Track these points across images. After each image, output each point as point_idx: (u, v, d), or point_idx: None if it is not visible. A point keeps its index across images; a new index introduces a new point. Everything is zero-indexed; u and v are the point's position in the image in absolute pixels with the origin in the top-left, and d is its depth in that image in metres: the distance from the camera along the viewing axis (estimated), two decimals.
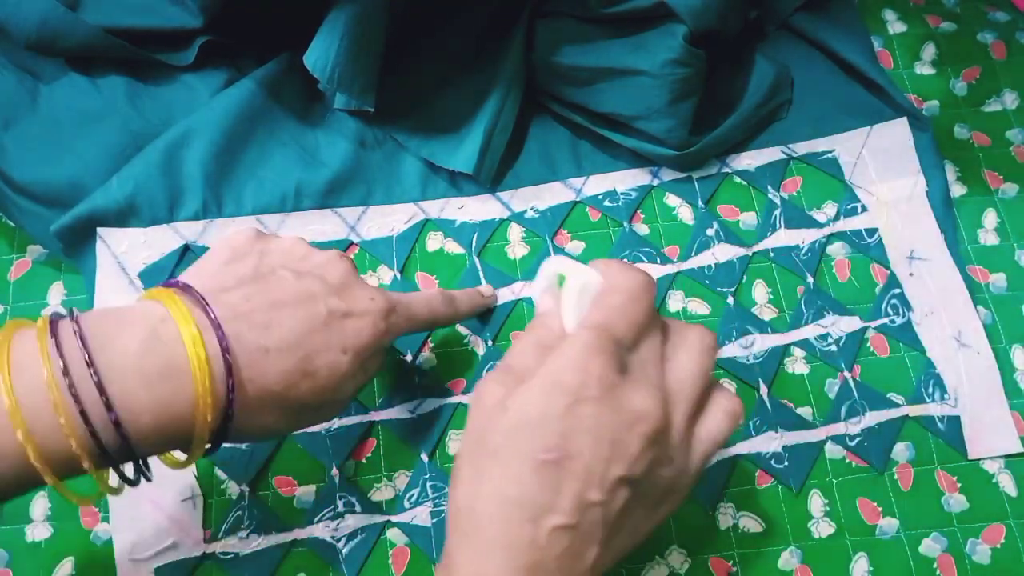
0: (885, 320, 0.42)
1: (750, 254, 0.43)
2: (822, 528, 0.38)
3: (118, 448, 0.27)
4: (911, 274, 0.43)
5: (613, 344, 0.28)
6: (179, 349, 0.27)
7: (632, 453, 0.27)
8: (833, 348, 0.41)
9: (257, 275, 0.30)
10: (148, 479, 0.29)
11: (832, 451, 0.39)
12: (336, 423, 0.39)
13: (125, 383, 0.26)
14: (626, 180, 0.44)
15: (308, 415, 0.32)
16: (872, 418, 0.40)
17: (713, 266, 0.43)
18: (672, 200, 0.44)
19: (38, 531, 0.37)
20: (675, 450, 0.28)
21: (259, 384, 0.29)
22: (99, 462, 0.27)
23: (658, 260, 0.43)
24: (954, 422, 0.40)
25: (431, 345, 0.41)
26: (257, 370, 0.28)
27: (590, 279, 0.29)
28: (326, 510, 0.38)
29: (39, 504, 0.37)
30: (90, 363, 0.26)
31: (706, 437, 0.30)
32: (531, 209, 0.44)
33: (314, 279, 0.31)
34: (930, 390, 0.40)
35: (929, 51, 0.48)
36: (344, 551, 0.37)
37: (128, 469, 0.29)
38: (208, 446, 0.29)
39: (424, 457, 0.39)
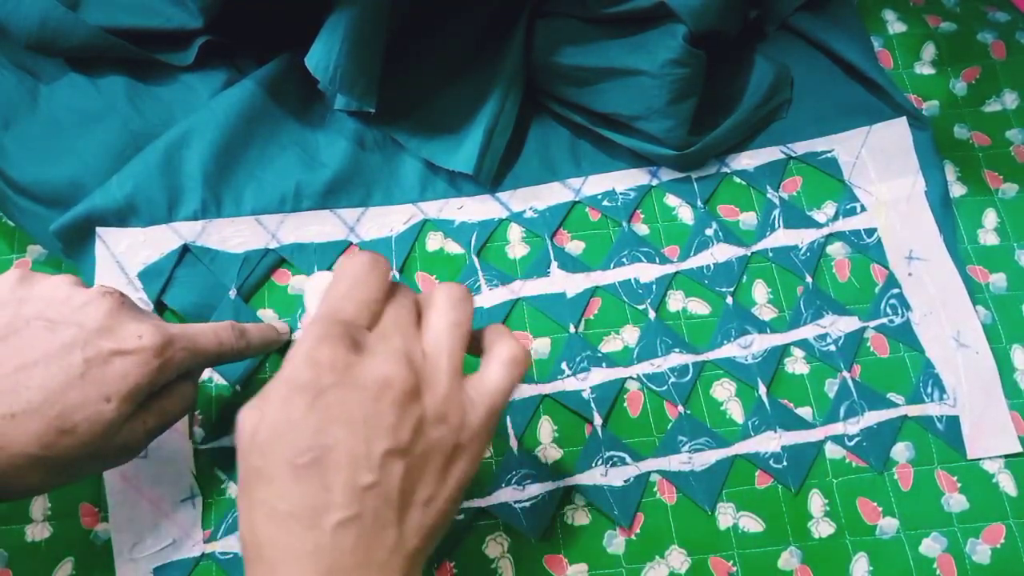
0: (884, 320, 0.42)
1: (749, 254, 0.43)
2: (822, 528, 0.38)
3: None
4: (910, 274, 0.43)
5: (340, 327, 0.28)
6: None
7: (389, 423, 0.27)
8: (832, 348, 0.41)
9: (9, 331, 0.30)
10: None
11: (832, 451, 0.39)
12: None
13: None
14: (625, 180, 0.44)
15: (88, 465, 0.31)
16: (871, 418, 0.40)
17: (712, 266, 0.43)
18: (671, 200, 0.44)
19: (38, 531, 0.37)
20: (444, 408, 0.28)
21: (10, 451, 0.28)
22: None
23: (657, 260, 0.43)
24: (953, 422, 0.40)
25: None
26: (5, 438, 0.28)
27: (322, 280, 0.30)
28: None
29: (39, 504, 0.37)
30: None
31: (486, 389, 0.29)
32: (530, 209, 0.44)
33: (70, 327, 0.30)
34: (929, 390, 0.40)
35: (929, 51, 0.48)
36: None
37: None
38: None
39: None
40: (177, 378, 0.33)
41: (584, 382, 0.40)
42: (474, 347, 0.31)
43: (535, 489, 0.38)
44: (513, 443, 0.39)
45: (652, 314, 0.42)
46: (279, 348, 0.40)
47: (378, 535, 0.26)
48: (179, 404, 0.33)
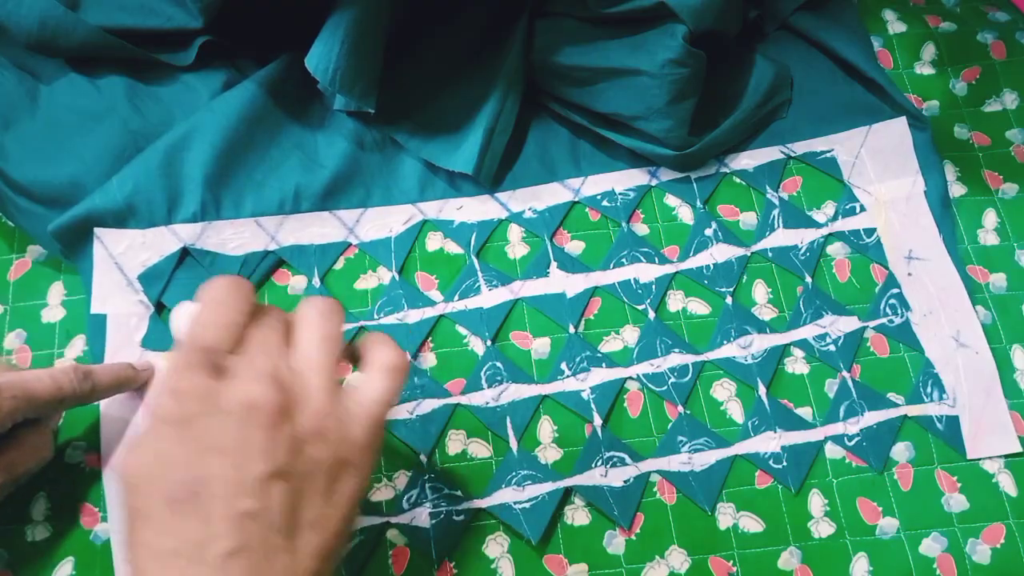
0: (884, 320, 0.42)
1: (749, 254, 0.43)
2: (822, 528, 0.38)
3: None
4: (909, 274, 0.43)
5: (200, 354, 0.27)
6: None
7: (263, 447, 0.26)
8: (832, 348, 0.41)
9: None
10: None
11: (831, 451, 0.39)
12: None
13: None
14: (624, 180, 0.44)
15: None
16: (871, 418, 0.40)
17: (712, 266, 0.43)
18: (671, 200, 0.44)
19: (38, 531, 0.37)
20: (320, 424, 0.27)
21: None
22: None
23: (657, 260, 0.43)
24: (953, 422, 0.40)
25: (431, 345, 0.41)
26: None
27: (190, 307, 0.29)
28: None
29: (39, 504, 0.37)
30: None
31: (365, 399, 0.29)
32: (529, 209, 0.44)
33: None
34: (929, 390, 0.40)
35: (929, 51, 0.48)
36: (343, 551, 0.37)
37: None
38: None
39: (423, 458, 0.39)
40: (24, 428, 0.32)
41: (584, 382, 0.40)
42: (353, 358, 0.31)
43: (535, 489, 0.38)
44: (513, 443, 0.39)
45: (652, 314, 0.42)
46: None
47: (268, 562, 0.25)
48: (31, 456, 0.32)
